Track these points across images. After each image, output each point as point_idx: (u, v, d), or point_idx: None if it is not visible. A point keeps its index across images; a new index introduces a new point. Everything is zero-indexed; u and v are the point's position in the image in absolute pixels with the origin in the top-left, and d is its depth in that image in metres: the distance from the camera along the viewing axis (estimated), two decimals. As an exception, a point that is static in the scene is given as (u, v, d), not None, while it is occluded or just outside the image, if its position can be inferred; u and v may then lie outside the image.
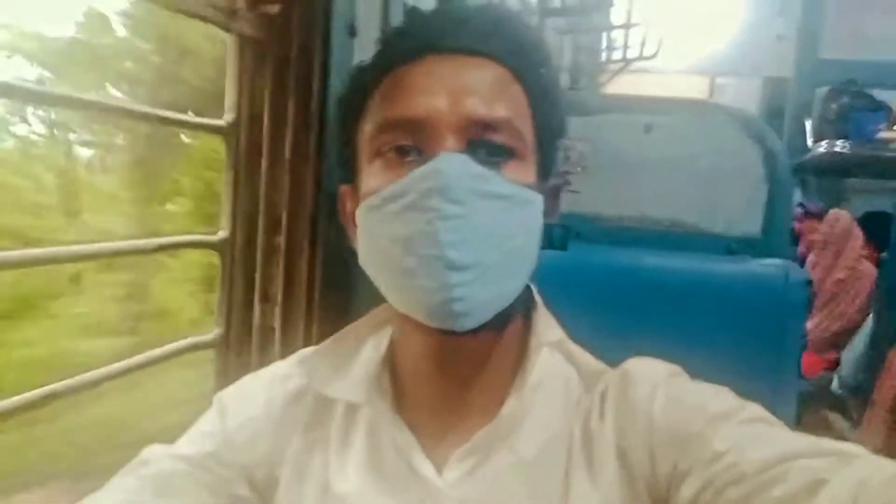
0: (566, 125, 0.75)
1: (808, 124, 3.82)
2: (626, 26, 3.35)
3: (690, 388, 0.68)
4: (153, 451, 0.72)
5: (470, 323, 0.62)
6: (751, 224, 1.08)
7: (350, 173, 0.71)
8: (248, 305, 1.09)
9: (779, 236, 1.08)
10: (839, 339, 3.14)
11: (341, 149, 0.73)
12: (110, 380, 0.88)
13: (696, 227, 1.09)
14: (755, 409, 0.63)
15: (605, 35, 3.88)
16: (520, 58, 0.67)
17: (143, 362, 0.94)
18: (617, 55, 3.89)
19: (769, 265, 1.02)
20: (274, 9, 1.01)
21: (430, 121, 0.62)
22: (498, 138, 0.63)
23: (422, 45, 0.66)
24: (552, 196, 0.73)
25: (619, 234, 1.10)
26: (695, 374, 0.71)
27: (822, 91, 3.87)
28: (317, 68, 1.03)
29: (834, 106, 3.68)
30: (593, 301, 0.97)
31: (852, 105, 3.62)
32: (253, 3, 0.98)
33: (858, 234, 3.31)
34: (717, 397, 0.65)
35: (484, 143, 0.63)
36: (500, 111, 0.63)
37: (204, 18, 0.89)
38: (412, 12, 0.70)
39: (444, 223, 0.58)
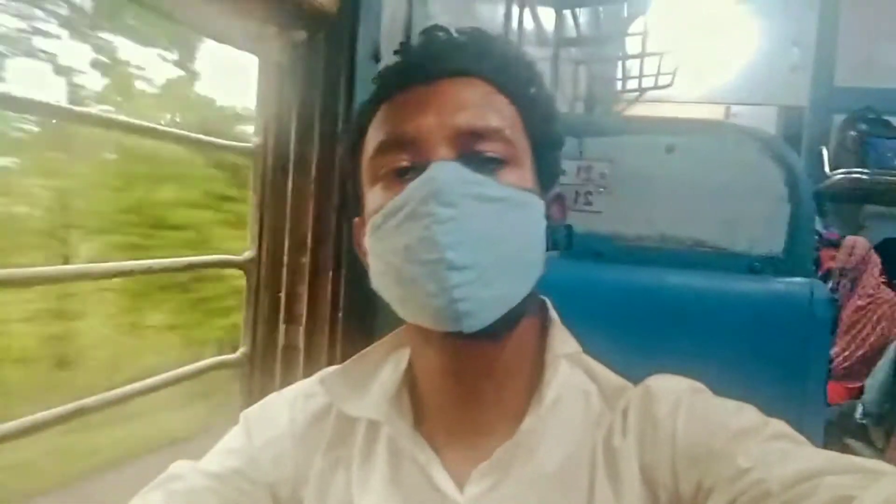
0: (562, 138, 0.76)
1: (825, 152, 3.81)
2: (641, 56, 3.38)
3: (714, 404, 0.67)
4: (180, 467, 0.73)
5: (476, 323, 0.62)
6: (773, 243, 1.07)
7: (359, 205, 0.73)
8: (274, 325, 1.10)
9: (802, 255, 1.07)
10: (862, 367, 3.09)
11: (350, 182, 0.75)
12: (139, 396, 0.89)
13: (717, 247, 1.09)
14: (779, 426, 0.62)
15: (620, 65, 3.91)
16: (507, 75, 0.69)
17: (170, 380, 0.95)
18: (632, 85, 3.92)
19: (794, 283, 1.01)
20: (301, 35, 1.04)
21: (423, 135, 0.64)
22: (490, 146, 0.65)
23: (414, 73, 0.68)
24: (556, 203, 0.74)
25: (641, 254, 1.11)
26: (719, 394, 0.70)
27: (839, 119, 3.87)
28: (342, 92, 1.05)
29: (851, 133, 3.68)
30: (615, 320, 0.97)
31: (869, 132, 3.61)
32: (281, 30, 1.01)
33: (876, 261, 3.29)
34: (740, 413, 0.64)
35: (477, 153, 0.64)
36: (489, 121, 0.65)
37: (234, 43, 0.92)
38: (404, 47, 0.73)
39: (441, 226, 0.59)
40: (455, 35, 0.70)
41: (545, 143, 0.72)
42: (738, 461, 0.58)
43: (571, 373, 0.74)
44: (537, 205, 0.68)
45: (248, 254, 1.09)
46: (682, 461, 0.63)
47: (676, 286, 1.03)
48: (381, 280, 0.68)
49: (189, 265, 0.96)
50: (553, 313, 0.76)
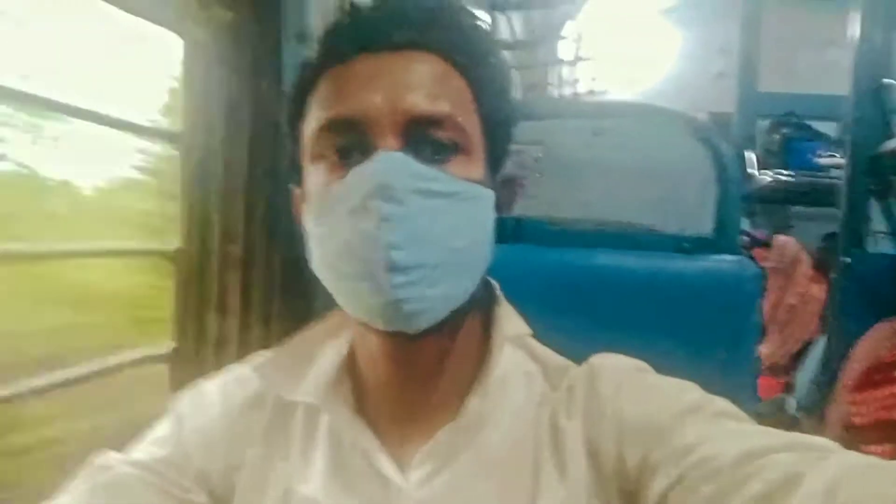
0: (516, 115, 0.73)
1: (752, 156, 3.94)
2: (573, 62, 3.44)
3: (658, 382, 0.68)
4: (107, 458, 0.69)
5: (421, 323, 0.61)
6: (702, 224, 1.09)
7: (299, 176, 0.70)
8: (204, 316, 1.06)
9: (730, 235, 1.09)
10: (793, 362, 3.19)
11: (290, 151, 0.71)
12: (57, 388, 0.85)
13: (648, 228, 1.10)
14: (723, 404, 0.62)
15: (551, 70, 3.97)
16: (461, 50, 0.65)
17: (93, 372, 0.91)
18: (564, 91, 3.98)
19: (723, 260, 1.03)
20: (227, 16, 1.01)
21: (368, 119, 0.60)
22: (440, 134, 0.62)
23: (359, 43, 0.64)
24: (506, 188, 0.72)
25: (571, 237, 1.11)
26: (657, 372, 0.70)
27: (764, 124, 4.01)
28: (270, 74, 1.02)
29: (775, 137, 3.82)
30: (546, 301, 0.96)
31: (792, 136, 3.76)
32: (205, 8, 0.98)
33: (805, 259, 3.40)
34: (684, 392, 0.64)
35: (425, 140, 0.61)
36: (440, 106, 0.62)
37: (155, 20, 0.89)
38: (350, 8, 0.67)
39: (386, 224, 0.57)
40: (408, 2, 0.66)
41: (497, 122, 0.69)
42: (685, 439, 0.57)
43: (514, 354, 0.74)
44: (487, 197, 0.66)
45: (177, 244, 1.05)
46: (627, 439, 0.62)
47: (609, 267, 1.04)
48: (319, 266, 0.65)
49: (113, 252, 0.92)
50: (499, 294, 0.75)
